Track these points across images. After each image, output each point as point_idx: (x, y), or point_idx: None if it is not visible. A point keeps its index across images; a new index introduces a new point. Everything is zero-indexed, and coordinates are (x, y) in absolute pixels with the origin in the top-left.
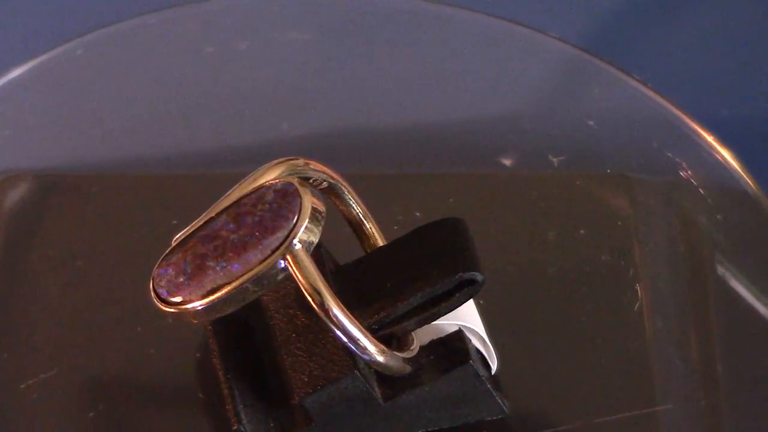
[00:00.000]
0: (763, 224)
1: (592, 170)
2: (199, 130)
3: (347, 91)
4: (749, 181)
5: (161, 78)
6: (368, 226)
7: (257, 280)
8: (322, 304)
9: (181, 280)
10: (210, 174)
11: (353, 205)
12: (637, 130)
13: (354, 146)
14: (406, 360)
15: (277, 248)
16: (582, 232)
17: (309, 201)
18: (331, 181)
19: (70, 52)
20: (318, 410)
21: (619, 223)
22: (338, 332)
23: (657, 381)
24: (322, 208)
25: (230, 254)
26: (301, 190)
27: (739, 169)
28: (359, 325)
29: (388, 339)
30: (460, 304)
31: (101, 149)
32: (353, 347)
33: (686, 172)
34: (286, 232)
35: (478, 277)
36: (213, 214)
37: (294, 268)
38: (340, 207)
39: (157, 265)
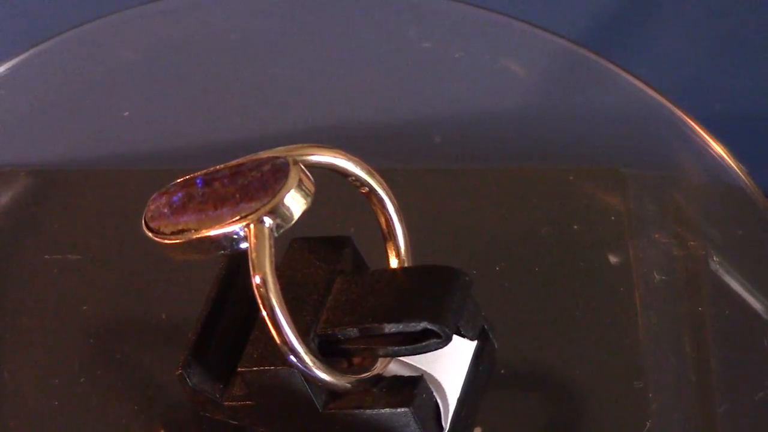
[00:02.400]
0: (756, 219)
1: (585, 165)
2: (195, 126)
3: (341, 86)
4: (742, 176)
5: (157, 73)
6: (400, 244)
7: (219, 239)
8: (262, 289)
9: (165, 211)
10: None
11: (393, 221)
12: (631, 125)
13: (349, 142)
14: (351, 381)
15: (244, 216)
16: (575, 227)
17: (292, 184)
18: (376, 188)
19: (64, 44)
20: (256, 389)
21: (613, 218)
22: (266, 315)
23: (650, 376)
24: (307, 195)
25: (210, 205)
26: (292, 172)
27: (733, 164)
28: (291, 322)
29: (352, 353)
30: (423, 352)
31: (95, 144)
32: (276, 337)
33: (679, 166)
34: (258, 205)
35: (442, 332)
36: (229, 164)
37: (251, 244)
38: (378, 217)
39: (158, 191)
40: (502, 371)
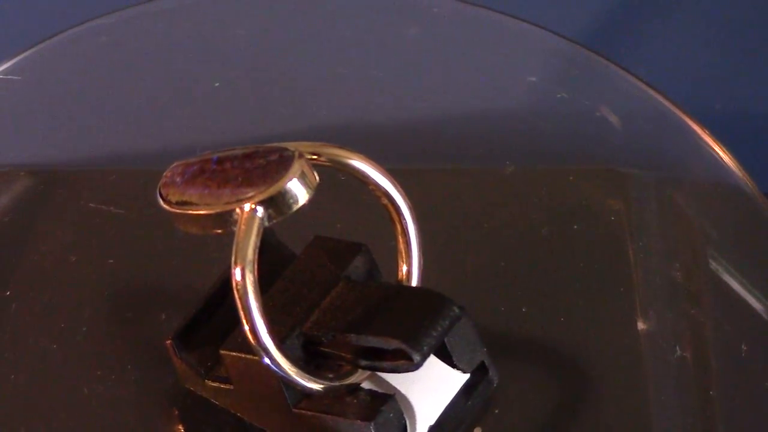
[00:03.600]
0: (755, 218)
1: (585, 165)
2: (196, 125)
3: (341, 86)
4: (742, 176)
5: (157, 72)
6: (413, 258)
7: (212, 219)
8: (238, 279)
9: (177, 180)
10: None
11: (409, 235)
12: (630, 125)
13: (348, 142)
14: (325, 386)
15: (238, 201)
16: (575, 227)
17: (291, 177)
18: (396, 198)
19: (64, 44)
20: (235, 374)
21: (613, 218)
22: (240, 308)
23: (650, 375)
24: (308, 190)
25: (215, 183)
26: (294, 165)
27: (732, 164)
28: (264, 317)
29: (330, 358)
30: (392, 371)
31: (95, 144)
32: (247, 328)
33: (679, 166)
34: (255, 192)
35: (413, 355)
36: (247, 147)
37: (239, 230)
38: (394, 228)
39: (178, 161)
40: (502, 371)
